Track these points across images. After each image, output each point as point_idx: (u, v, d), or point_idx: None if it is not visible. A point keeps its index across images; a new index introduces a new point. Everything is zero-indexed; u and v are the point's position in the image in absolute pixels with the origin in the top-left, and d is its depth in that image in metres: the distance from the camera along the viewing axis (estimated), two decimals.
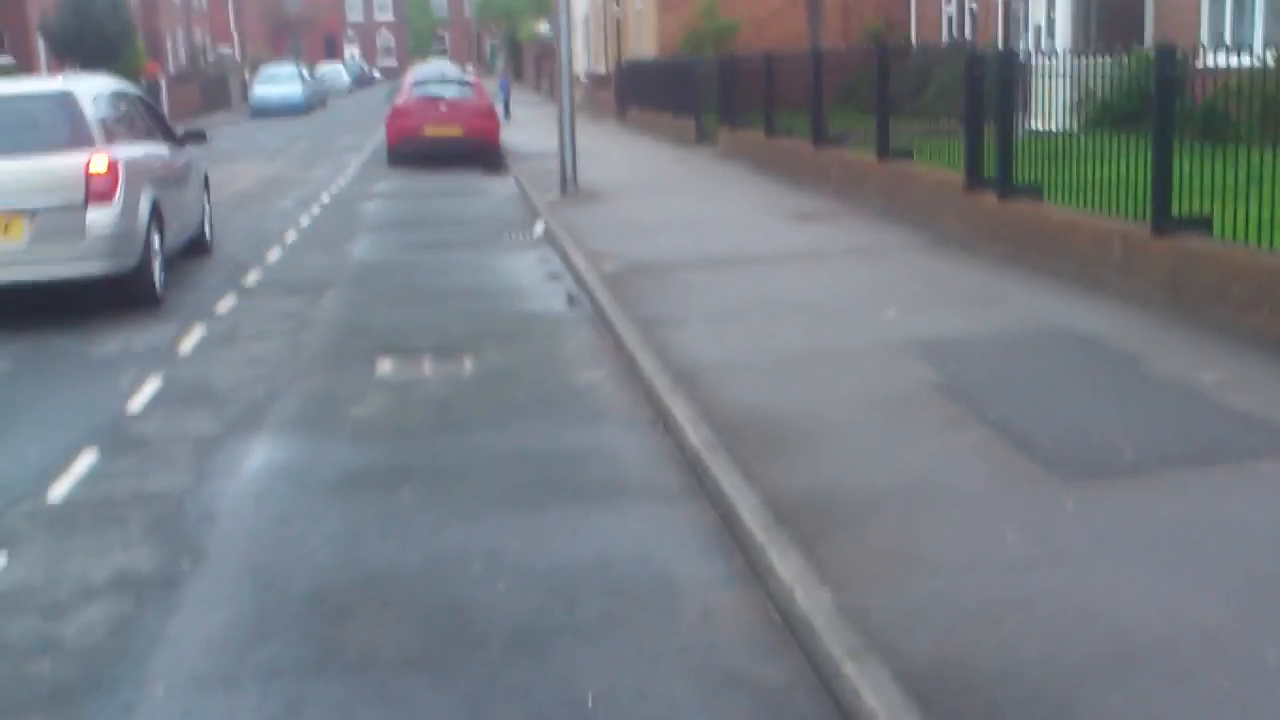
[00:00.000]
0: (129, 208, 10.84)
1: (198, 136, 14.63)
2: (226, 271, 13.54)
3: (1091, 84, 14.61)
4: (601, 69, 44.37)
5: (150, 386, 8.78)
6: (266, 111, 49.01)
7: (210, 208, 15.11)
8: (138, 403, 8.41)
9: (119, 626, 5.23)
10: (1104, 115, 13.55)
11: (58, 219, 10.40)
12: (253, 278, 13.14)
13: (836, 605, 4.77)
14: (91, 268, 10.61)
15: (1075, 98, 16.05)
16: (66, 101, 11.10)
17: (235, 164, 27.84)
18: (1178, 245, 9.18)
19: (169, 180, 12.50)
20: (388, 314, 11.21)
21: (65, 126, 10.86)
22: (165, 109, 42.22)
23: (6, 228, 10.32)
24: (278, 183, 23.35)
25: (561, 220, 15.81)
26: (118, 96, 12.35)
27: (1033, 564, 5.04)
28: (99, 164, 10.59)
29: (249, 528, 6.27)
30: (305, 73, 57.27)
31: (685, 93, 27.49)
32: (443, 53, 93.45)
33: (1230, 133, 9.85)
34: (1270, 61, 9.60)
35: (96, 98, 11.53)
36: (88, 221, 10.48)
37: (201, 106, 50.10)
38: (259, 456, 7.38)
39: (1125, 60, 15.21)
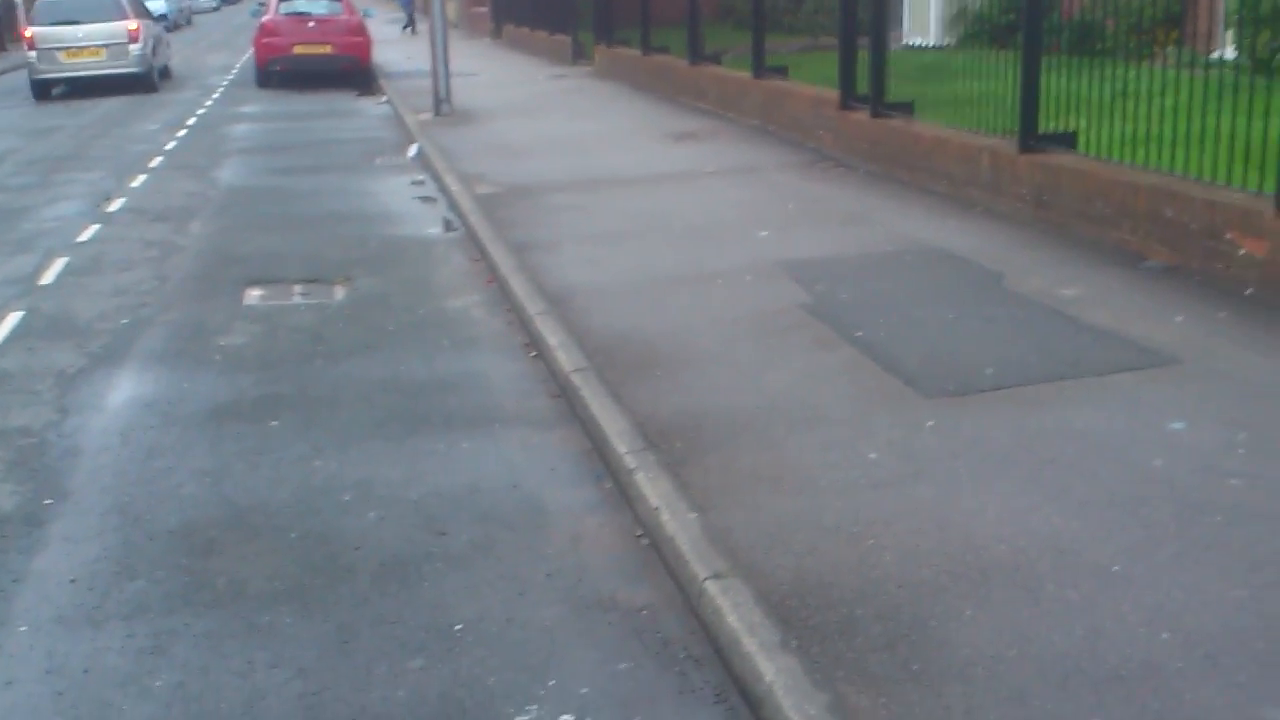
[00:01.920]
0: (145, 45, 24.56)
1: (162, 17, 33.72)
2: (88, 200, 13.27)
3: None
4: None
5: None
6: None
7: (170, 52, 29.42)
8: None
9: None
10: (980, 29, 13.69)
11: (117, 48, 24.00)
12: (115, 204, 12.86)
13: (702, 527, 4.84)
14: (131, 69, 24.28)
15: (950, 11, 16.18)
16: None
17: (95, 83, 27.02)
18: (1043, 162, 9.34)
19: (156, 36, 26.50)
20: (257, 241, 11.03)
21: (117, 9, 24.20)
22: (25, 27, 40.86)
23: (97, 51, 23.90)
24: (143, 104, 22.73)
25: (435, 142, 15.62)
26: None
27: (894, 481, 5.15)
28: (133, 25, 24.25)
29: (114, 458, 6.19)
30: None
31: (561, 9, 27.19)
32: None
33: (1102, 47, 10.01)
34: None
35: None
36: (130, 49, 24.13)
37: None
38: (122, 390, 7.26)
39: None
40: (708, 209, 10.72)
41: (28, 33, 24.34)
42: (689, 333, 7.29)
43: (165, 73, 27.52)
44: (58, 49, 23.83)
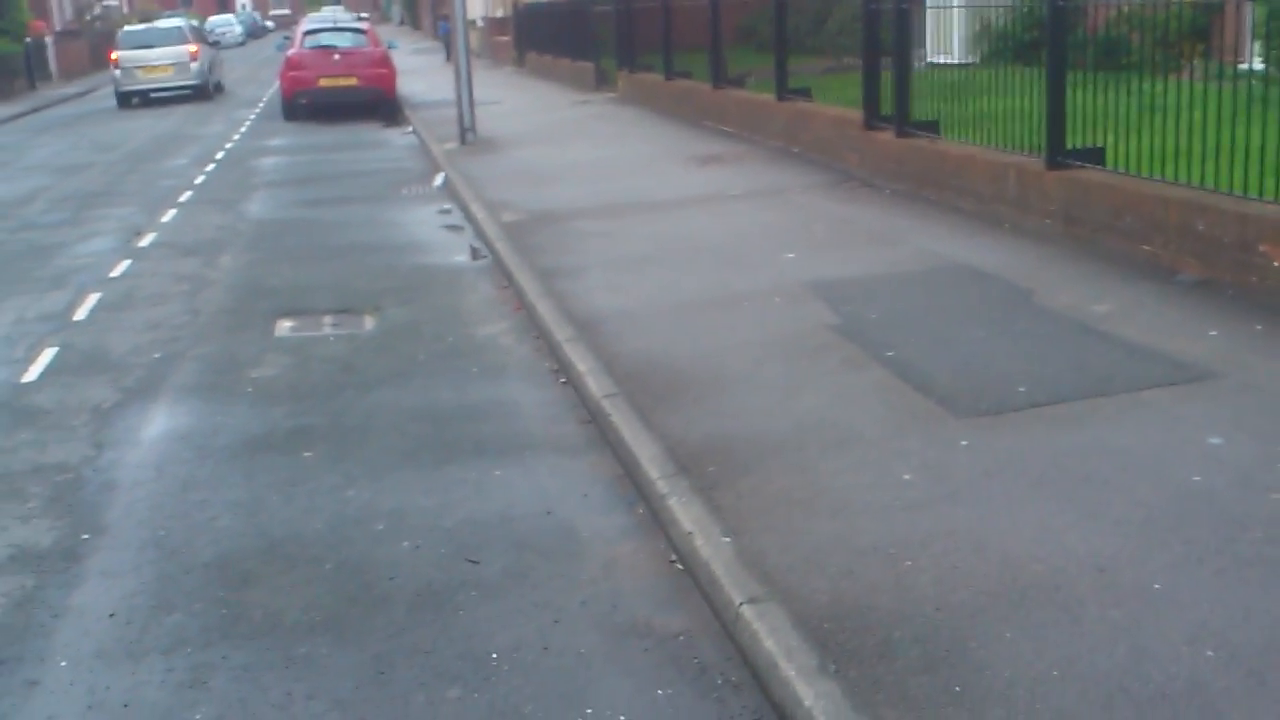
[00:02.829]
0: (202, 63, 31.94)
1: (216, 43, 40.14)
2: (120, 235, 13.36)
3: (988, 15, 14.69)
4: (499, 13, 43.85)
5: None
6: None
7: (223, 70, 37.15)
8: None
9: (20, 601, 5.17)
10: (1003, 46, 13.67)
11: (181, 66, 31.27)
12: (146, 240, 12.95)
13: (736, 551, 4.82)
14: (193, 82, 31.57)
15: (973, 30, 16.15)
16: (180, 28, 32.53)
17: (126, 121, 27.27)
18: (1071, 178, 9.30)
19: (211, 58, 33.78)
20: (287, 273, 11.08)
21: (181, 36, 31.76)
22: (52, 68, 41.41)
23: (166, 69, 31.14)
24: (172, 140, 22.92)
25: (460, 171, 15.68)
26: (194, 27, 35.30)
27: (929, 503, 5.11)
28: (193, 49, 31.68)
29: (149, 492, 6.20)
30: (196, 25, 55.95)
31: (583, 36, 27.28)
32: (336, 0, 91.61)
33: (1127, 61, 9.98)
34: None
35: (187, 27, 33.11)
36: (191, 67, 31.39)
37: (90, 64, 48.58)
38: (157, 424, 7.29)
39: None
40: (734, 231, 10.72)
41: (114, 55, 31.15)
42: (718, 356, 7.28)
43: (219, 87, 34.45)
44: (137, 67, 30.84)
